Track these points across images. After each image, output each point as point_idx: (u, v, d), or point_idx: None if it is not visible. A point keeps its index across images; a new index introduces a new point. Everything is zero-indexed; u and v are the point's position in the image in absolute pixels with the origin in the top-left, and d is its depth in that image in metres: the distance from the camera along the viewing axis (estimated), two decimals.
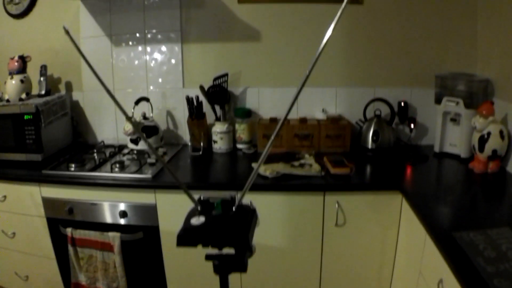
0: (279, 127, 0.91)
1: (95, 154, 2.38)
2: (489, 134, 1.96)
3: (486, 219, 1.52)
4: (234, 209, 0.94)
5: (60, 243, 2.20)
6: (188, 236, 0.91)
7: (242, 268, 0.93)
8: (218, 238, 0.90)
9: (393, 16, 2.34)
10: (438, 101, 2.24)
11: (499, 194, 1.80)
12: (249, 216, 0.96)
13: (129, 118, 1.08)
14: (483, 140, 1.97)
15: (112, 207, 2.07)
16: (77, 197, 2.10)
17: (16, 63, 2.52)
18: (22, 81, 2.49)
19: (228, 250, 0.91)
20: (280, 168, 1.97)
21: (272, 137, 0.91)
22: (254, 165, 2.04)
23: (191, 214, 0.94)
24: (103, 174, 2.10)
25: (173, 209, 1.98)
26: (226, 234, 0.90)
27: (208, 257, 0.93)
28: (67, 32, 0.91)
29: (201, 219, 0.92)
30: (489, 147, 1.97)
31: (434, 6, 2.32)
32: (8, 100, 2.47)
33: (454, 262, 1.21)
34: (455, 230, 1.38)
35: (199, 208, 0.94)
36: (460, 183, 1.99)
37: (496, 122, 1.99)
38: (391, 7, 2.33)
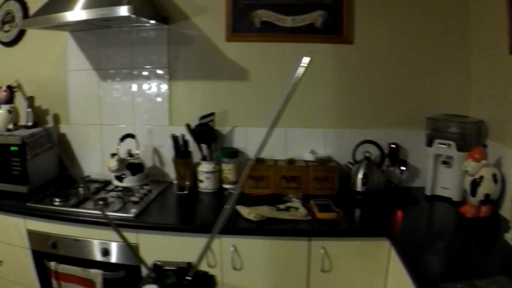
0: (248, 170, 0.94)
1: (80, 189, 2.44)
2: (481, 178, 2.00)
3: (476, 268, 1.55)
4: (189, 277, 0.95)
5: (44, 275, 2.25)
6: None
7: None
8: None
9: (384, 56, 2.42)
10: (429, 143, 2.30)
11: (491, 240, 1.83)
12: (205, 284, 0.98)
13: None
14: (475, 184, 2.02)
15: (95, 244, 2.12)
16: (60, 232, 2.16)
17: (3, 93, 2.63)
18: (9, 111, 2.60)
19: None
20: (265, 211, 2.02)
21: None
22: (239, 207, 2.08)
23: (144, 282, 0.96)
24: (86, 211, 2.15)
25: (156, 250, 2.01)
26: None
27: None
28: None
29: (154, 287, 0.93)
30: (481, 191, 2.01)
31: (426, 46, 2.40)
32: None
33: None
34: (443, 281, 1.39)
35: (152, 275, 0.96)
36: (451, 228, 2.03)
37: (489, 165, 2.03)
38: (383, 47, 2.41)
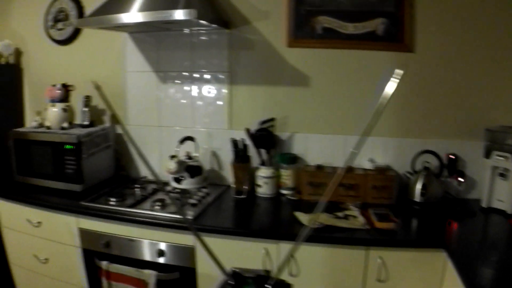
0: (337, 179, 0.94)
1: (136, 190, 2.50)
2: None
3: None
4: (269, 285, 0.95)
5: (93, 274, 2.31)
6: None
7: None
8: None
9: (444, 66, 2.42)
10: (487, 155, 2.31)
11: None
12: None
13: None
14: None
15: (150, 245, 2.16)
16: (115, 231, 2.21)
17: (58, 91, 2.65)
18: (64, 110, 2.64)
19: None
20: (324, 219, 2.05)
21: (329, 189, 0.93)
22: (297, 214, 2.13)
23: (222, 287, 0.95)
24: (143, 211, 2.19)
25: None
26: None
27: None
28: (97, 87, 1.03)
29: None
30: None
31: (486, 56, 2.39)
32: (48, 127, 2.62)
33: None
34: None
35: (231, 281, 0.96)
36: (506, 241, 2.03)
37: None
38: (443, 56, 2.41)
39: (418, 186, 2.32)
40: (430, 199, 2.31)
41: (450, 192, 2.44)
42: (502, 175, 2.29)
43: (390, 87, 0.88)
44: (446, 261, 1.90)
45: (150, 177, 2.77)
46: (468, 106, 2.44)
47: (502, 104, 2.42)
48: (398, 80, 0.89)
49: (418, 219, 2.22)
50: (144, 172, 2.83)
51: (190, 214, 2.13)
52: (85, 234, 2.28)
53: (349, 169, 2.41)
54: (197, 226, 2.05)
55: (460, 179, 2.39)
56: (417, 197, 2.32)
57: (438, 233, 2.04)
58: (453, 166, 2.41)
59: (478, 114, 2.44)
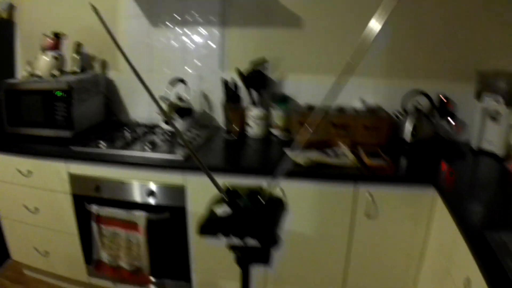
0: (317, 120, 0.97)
1: (126, 133, 2.51)
2: None
3: None
4: (262, 201, 0.96)
5: (84, 220, 2.33)
6: (212, 227, 0.91)
7: (265, 261, 0.95)
8: (244, 231, 0.91)
9: (437, 5, 2.40)
10: (478, 97, 2.33)
11: None
12: (278, 208, 0.97)
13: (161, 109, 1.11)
14: None
15: (140, 186, 2.19)
16: (105, 175, 2.23)
17: (49, 40, 2.66)
18: (55, 58, 2.63)
19: (253, 242, 0.91)
20: (315, 156, 2.08)
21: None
22: (288, 152, 2.15)
23: (215, 202, 0.96)
24: (134, 153, 2.22)
25: (202, 192, 2.05)
26: (252, 228, 0.91)
27: (231, 248, 0.95)
28: (95, 10, 1.01)
29: (227, 209, 0.93)
30: None
31: None
32: (39, 76, 2.61)
33: (483, 262, 1.28)
34: (487, 230, 1.45)
35: (225, 197, 0.96)
36: (496, 182, 2.07)
37: None
38: None
39: (409, 127, 2.35)
40: (420, 140, 2.35)
41: (440, 133, 2.47)
42: (493, 117, 2.32)
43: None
44: (435, 197, 1.94)
45: (140, 120, 2.81)
46: (460, 46, 2.44)
47: (494, 47, 2.43)
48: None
49: (408, 158, 2.26)
50: (134, 115, 2.85)
51: (180, 155, 2.14)
52: (75, 179, 2.29)
53: (340, 110, 2.45)
54: (188, 165, 2.07)
55: (450, 120, 2.42)
56: (407, 137, 2.36)
57: (428, 171, 2.08)
58: (444, 108, 2.44)
59: (470, 55, 2.44)
